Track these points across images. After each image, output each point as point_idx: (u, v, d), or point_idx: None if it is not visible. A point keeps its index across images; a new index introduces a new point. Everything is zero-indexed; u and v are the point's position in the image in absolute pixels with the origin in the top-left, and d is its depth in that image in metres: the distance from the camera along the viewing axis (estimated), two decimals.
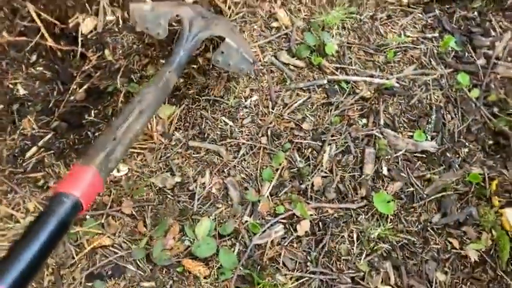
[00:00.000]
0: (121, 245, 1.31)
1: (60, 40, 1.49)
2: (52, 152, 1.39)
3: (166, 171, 1.39)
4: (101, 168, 1.02)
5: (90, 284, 1.28)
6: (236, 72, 1.40)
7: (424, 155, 1.50)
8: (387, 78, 1.52)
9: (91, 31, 1.46)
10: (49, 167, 1.36)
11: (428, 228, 1.45)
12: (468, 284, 1.42)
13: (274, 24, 1.56)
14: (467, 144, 1.55)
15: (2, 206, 1.31)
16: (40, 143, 1.40)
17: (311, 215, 1.39)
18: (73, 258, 1.29)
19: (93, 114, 1.45)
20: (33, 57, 1.48)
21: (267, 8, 1.57)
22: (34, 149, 1.39)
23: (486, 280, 1.43)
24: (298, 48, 1.53)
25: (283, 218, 1.39)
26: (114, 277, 1.29)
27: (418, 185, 1.47)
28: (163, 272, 1.32)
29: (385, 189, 1.45)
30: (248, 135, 1.45)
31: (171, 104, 1.45)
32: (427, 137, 1.51)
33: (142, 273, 1.30)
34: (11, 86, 1.42)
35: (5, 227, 1.30)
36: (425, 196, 1.47)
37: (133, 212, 1.35)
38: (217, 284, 1.33)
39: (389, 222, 1.42)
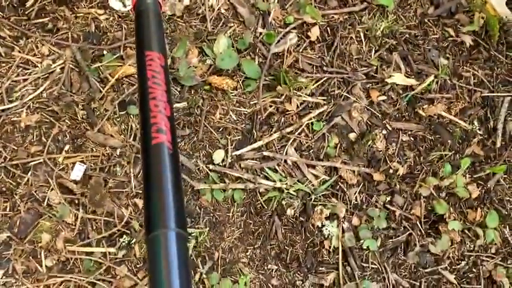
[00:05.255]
0: None
1: None
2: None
3: None
4: None
5: (123, 111, 1.29)
6: None
7: None
8: None
9: None
10: (54, 12, 1.33)
11: (426, 20, 1.55)
12: (468, 65, 1.55)
13: None
14: None
15: (16, 53, 1.28)
16: None
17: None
18: (100, 92, 1.29)
19: None
20: None
21: None
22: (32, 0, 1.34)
23: (482, 60, 1.56)
24: None
25: (294, 28, 1.44)
26: None
27: None
28: (192, 93, 1.35)
29: None
30: None
31: None
32: None
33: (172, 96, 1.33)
34: None
35: (25, 73, 1.28)
36: None
37: None
38: (245, 96, 1.37)
39: (391, 18, 1.50)
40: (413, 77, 1.48)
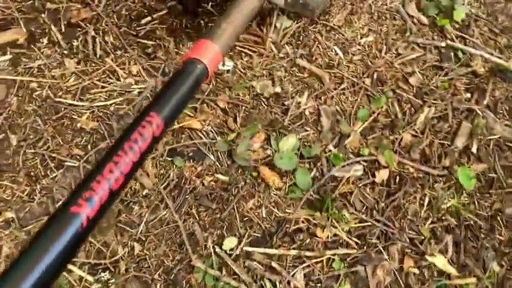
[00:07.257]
0: (208, 133, 1.33)
1: None
2: (165, 26, 1.39)
3: (268, 80, 1.39)
4: (220, 43, 1.04)
5: (170, 158, 1.30)
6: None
7: None
8: (506, 61, 1.48)
9: None
10: (160, 39, 1.37)
11: (498, 218, 1.44)
12: None
13: None
14: None
15: (108, 59, 1.33)
16: (155, 15, 1.41)
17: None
18: None
19: (209, 5, 1.45)
20: None
21: None
22: (149, 18, 1.40)
23: None
24: (426, 5, 1.49)
25: (365, 161, 1.39)
26: (193, 160, 1.31)
27: (501, 173, 1.45)
28: (239, 172, 1.33)
29: (469, 167, 1.43)
30: (354, 72, 1.44)
31: (289, 18, 1.44)
32: None
33: (219, 166, 1.32)
34: None
35: (106, 80, 1.32)
36: (505, 186, 1.45)
37: (227, 108, 1.35)
38: (284, 200, 1.34)
39: (463, 199, 1.41)
40: (455, 267, 1.37)
